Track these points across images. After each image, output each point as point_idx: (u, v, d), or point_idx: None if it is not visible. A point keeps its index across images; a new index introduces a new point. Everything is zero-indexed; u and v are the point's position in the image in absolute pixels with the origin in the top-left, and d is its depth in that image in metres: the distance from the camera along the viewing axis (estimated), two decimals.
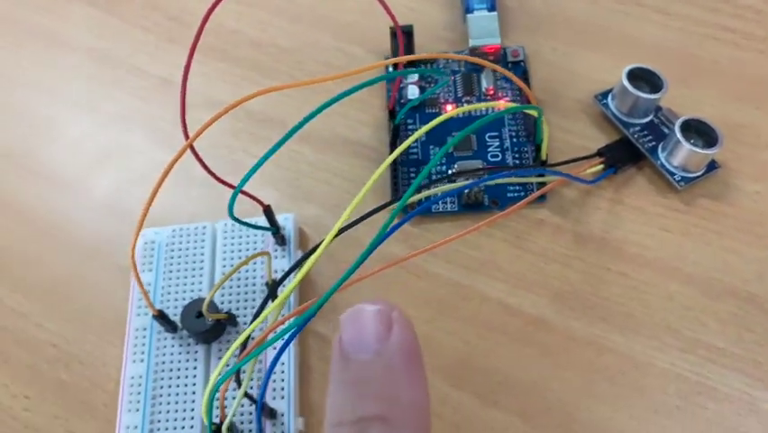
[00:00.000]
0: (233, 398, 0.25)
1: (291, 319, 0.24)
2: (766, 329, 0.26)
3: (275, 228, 0.27)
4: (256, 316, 0.22)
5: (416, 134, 0.20)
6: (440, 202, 0.29)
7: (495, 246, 0.29)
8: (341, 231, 0.21)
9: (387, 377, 0.14)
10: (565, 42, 0.34)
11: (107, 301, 0.29)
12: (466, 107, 0.24)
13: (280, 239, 0.28)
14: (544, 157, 0.29)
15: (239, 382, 0.23)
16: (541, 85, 0.32)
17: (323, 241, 0.20)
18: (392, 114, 0.30)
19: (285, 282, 0.25)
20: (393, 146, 0.30)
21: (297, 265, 0.23)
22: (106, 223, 0.31)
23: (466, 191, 0.29)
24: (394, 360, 0.14)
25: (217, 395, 0.22)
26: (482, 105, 0.24)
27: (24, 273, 0.30)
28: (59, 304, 0.29)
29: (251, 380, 0.24)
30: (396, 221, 0.19)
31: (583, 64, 0.33)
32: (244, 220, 0.26)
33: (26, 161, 0.33)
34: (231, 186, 0.24)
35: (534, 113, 0.26)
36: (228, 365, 0.20)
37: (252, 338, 0.21)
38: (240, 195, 0.24)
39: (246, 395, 0.22)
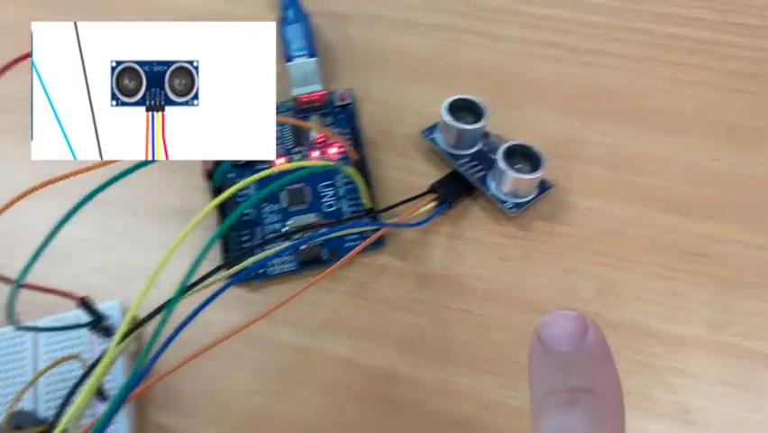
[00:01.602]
0: None
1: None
2: (613, 348, 0.26)
3: (95, 321, 0.25)
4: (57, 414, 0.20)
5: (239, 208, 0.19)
6: (276, 263, 0.28)
7: (338, 301, 0.28)
8: (139, 323, 0.20)
9: (590, 363, 0.16)
10: (393, 78, 0.33)
11: None
12: (270, 171, 0.22)
13: (103, 331, 0.26)
14: (368, 204, 0.28)
15: None
16: (372, 124, 0.32)
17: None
18: (209, 175, 0.29)
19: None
20: (222, 210, 0.29)
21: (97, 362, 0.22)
22: None
23: (302, 247, 0.28)
24: (593, 353, 0.16)
25: None
26: (291, 166, 0.23)
27: None
28: None
29: None
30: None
31: (411, 99, 0.33)
32: (57, 317, 0.24)
33: None
34: (7, 280, 0.21)
35: (350, 170, 0.25)
36: None
37: None
38: (46, 292, 0.22)
39: None
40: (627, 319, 0.26)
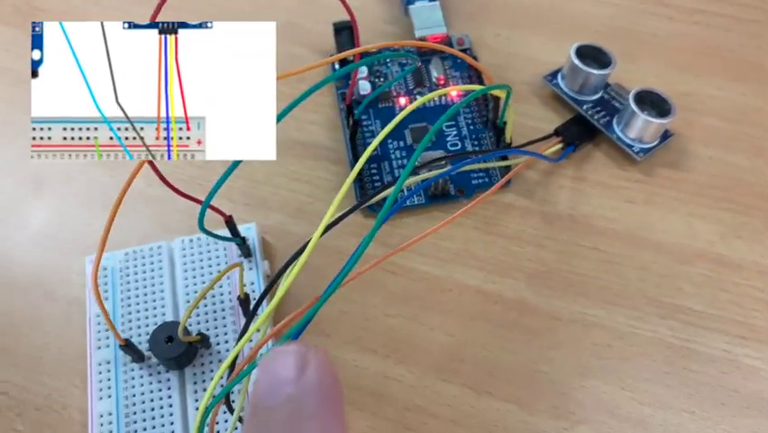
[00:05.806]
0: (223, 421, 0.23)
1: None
2: (738, 287, 0.27)
3: (240, 239, 0.26)
4: (241, 335, 0.20)
5: (380, 137, 0.20)
6: (406, 196, 0.29)
7: (467, 235, 0.28)
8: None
9: (293, 423, 0.12)
10: (507, 27, 0.34)
11: (60, 338, 0.27)
12: (425, 97, 0.23)
13: (245, 250, 0.27)
14: (508, 139, 0.28)
15: (230, 408, 0.21)
16: (489, 71, 0.32)
17: (302, 249, 0.19)
18: (350, 109, 0.29)
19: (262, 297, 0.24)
20: (354, 142, 0.29)
21: (278, 277, 0.22)
22: (45, 254, 0.28)
23: (432, 183, 0.28)
24: (305, 402, 0.13)
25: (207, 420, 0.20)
26: (446, 91, 0.24)
27: None
28: (5, 348, 0.26)
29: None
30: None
31: (527, 47, 0.33)
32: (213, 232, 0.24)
33: None
34: (197, 200, 0.22)
35: (501, 93, 0.26)
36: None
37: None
38: (190, 209, 0.23)
39: (240, 420, 0.21)
40: (750, 261, 0.27)
